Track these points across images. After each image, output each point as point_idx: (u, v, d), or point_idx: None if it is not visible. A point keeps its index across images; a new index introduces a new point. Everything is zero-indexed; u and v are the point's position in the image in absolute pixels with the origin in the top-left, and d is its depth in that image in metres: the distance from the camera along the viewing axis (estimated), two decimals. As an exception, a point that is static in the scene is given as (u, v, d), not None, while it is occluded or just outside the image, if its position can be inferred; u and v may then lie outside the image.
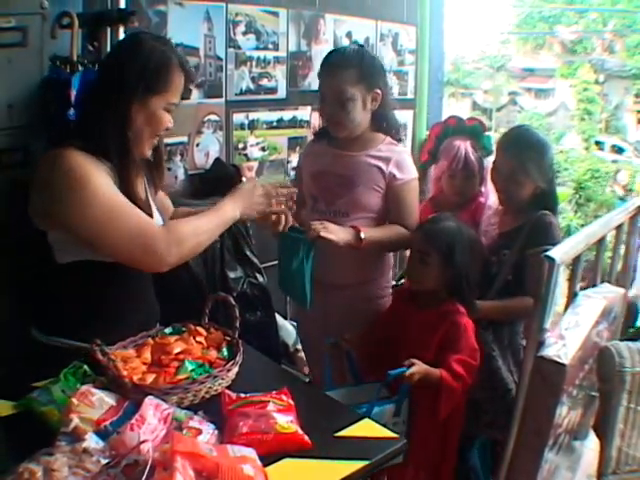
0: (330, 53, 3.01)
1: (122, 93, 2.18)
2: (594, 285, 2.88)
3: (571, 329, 2.36)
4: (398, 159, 2.99)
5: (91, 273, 2.21)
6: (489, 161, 3.32)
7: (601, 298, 2.64)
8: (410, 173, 3.02)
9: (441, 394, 2.58)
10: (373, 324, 3.01)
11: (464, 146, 3.31)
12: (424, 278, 2.81)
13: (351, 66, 2.86)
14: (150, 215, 2.26)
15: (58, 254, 2.19)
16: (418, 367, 2.54)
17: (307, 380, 3.31)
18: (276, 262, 3.06)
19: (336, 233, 2.76)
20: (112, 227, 2.07)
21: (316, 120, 4.48)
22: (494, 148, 3.25)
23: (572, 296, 2.63)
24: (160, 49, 2.25)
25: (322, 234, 2.70)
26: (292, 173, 4.42)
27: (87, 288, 2.22)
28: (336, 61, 2.90)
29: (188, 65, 2.37)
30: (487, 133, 3.48)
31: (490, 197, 3.31)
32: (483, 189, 3.38)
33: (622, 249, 3.19)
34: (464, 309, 2.76)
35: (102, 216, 2.06)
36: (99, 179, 2.09)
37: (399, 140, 3.12)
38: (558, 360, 2.18)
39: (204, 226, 2.25)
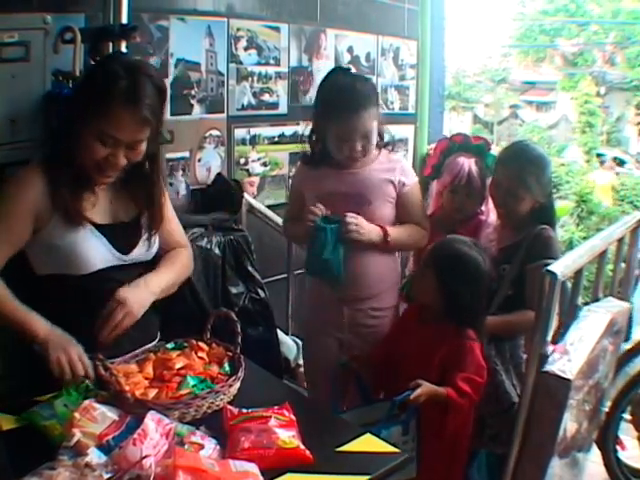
0: (342, 93, 2.95)
1: (66, 115, 2.24)
2: (596, 299, 2.88)
3: (576, 344, 2.36)
4: (402, 166, 3.11)
5: (67, 286, 2.23)
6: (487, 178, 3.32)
7: (605, 312, 2.64)
8: (414, 176, 3.14)
9: (448, 412, 2.59)
10: (381, 340, 3.02)
11: (468, 163, 3.30)
12: (420, 290, 2.84)
13: (371, 103, 2.93)
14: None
15: (36, 265, 2.23)
16: (424, 388, 2.54)
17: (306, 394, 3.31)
18: (277, 278, 3.07)
19: (367, 234, 2.91)
20: None
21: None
22: None
23: (574, 309, 2.63)
24: (108, 72, 2.15)
25: (355, 236, 2.86)
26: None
27: (64, 301, 2.23)
28: (356, 102, 2.90)
29: (141, 101, 2.14)
30: (492, 152, 3.46)
31: (490, 215, 3.30)
32: (484, 207, 3.36)
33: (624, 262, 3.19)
34: (469, 330, 2.73)
35: None
36: (10, 206, 2.18)
37: (392, 150, 3.23)
38: (563, 375, 2.19)
39: None
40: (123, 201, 2.38)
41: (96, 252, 2.26)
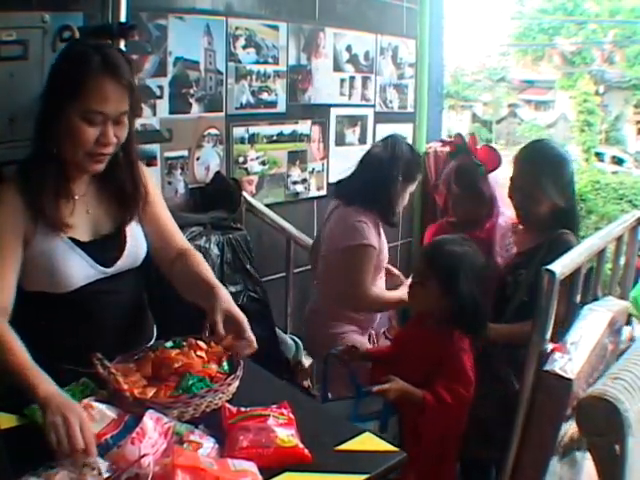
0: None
1: (42, 105, 2.13)
2: (595, 298, 2.88)
3: (577, 343, 2.36)
4: None
5: (52, 303, 2.20)
6: (493, 178, 3.27)
7: (606, 311, 2.64)
8: None
9: (423, 416, 2.58)
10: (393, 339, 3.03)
11: (449, 169, 3.29)
12: (422, 301, 2.78)
13: None
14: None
15: (22, 281, 2.16)
16: (395, 384, 2.54)
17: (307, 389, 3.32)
18: (276, 277, 3.06)
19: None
20: None
21: (316, 134, 4.50)
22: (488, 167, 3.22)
23: (572, 308, 2.63)
24: (78, 51, 2.14)
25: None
26: (292, 187, 4.43)
27: (51, 317, 2.21)
28: None
29: (120, 69, 2.11)
30: (482, 149, 3.39)
31: (501, 216, 3.25)
32: (495, 209, 3.30)
33: (622, 261, 3.18)
34: (465, 337, 2.72)
35: None
36: None
37: None
38: (564, 375, 2.19)
39: None
40: (102, 212, 2.32)
41: (76, 270, 2.21)
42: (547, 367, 2.24)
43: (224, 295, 2.17)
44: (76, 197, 2.25)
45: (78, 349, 2.06)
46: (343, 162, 4.63)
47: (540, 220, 2.98)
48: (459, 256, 2.70)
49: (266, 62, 4.15)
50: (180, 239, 2.50)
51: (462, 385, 2.61)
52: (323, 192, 4.69)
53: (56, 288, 2.19)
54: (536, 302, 2.35)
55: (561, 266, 2.29)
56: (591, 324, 2.52)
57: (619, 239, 3.00)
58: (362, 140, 4.92)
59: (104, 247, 2.29)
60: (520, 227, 3.16)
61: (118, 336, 2.30)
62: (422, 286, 2.75)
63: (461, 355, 2.66)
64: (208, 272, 2.33)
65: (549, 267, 2.24)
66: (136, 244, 2.37)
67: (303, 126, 4.46)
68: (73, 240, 2.21)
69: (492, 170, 3.23)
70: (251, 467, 1.67)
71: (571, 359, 2.25)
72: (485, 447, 2.91)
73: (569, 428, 2.38)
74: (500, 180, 3.26)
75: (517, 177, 3.00)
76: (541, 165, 2.94)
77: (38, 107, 2.14)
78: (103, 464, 1.63)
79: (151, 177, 2.49)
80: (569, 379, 2.17)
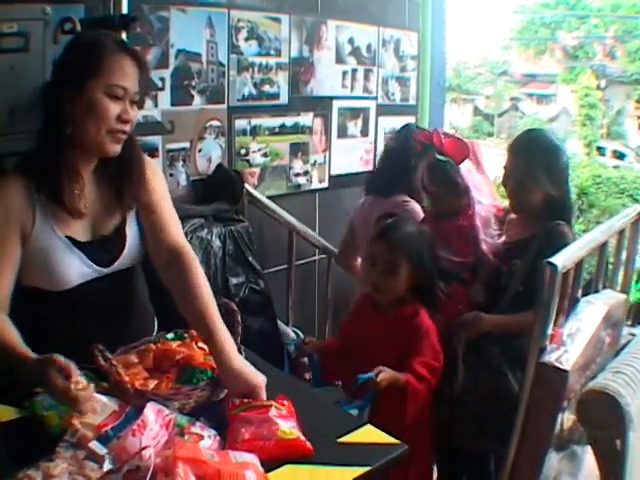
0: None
1: (54, 92, 2.12)
2: (596, 291, 2.88)
3: (573, 335, 2.36)
4: None
5: (47, 299, 2.20)
6: (465, 169, 3.23)
7: (603, 304, 2.64)
8: None
9: (408, 398, 2.59)
10: (338, 331, 3.03)
11: (421, 169, 3.27)
12: (392, 288, 2.78)
13: None
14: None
15: (23, 276, 2.15)
16: (386, 374, 2.55)
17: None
18: (278, 269, 3.06)
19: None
20: None
21: (318, 126, 4.50)
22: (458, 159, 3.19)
23: (573, 302, 2.63)
24: (90, 36, 2.21)
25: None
26: (294, 179, 4.43)
27: (47, 313, 2.20)
28: None
29: (133, 48, 2.22)
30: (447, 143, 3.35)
31: (477, 205, 3.16)
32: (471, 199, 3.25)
33: (624, 255, 3.18)
34: (427, 310, 2.77)
35: None
36: None
37: None
38: (560, 366, 2.18)
39: None
40: (102, 207, 2.30)
41: (73, 270, 2.20)
42: (543, 359, 2.24)
43: (229, 350, 2.05)
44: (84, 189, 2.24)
45: (75, 345, 1.99)
46: (345, 154, 4.64)
47: (533, 210, 2.96)
48: (419, 234, 2.80)
49: (268, 54, 4.14)
50: (176, 234, 2.42)
51: (434, 358, 2.67)
52: (325, 184, 4.69)
53: (53, 286, 2.19)
54: (537, 295, 2.35)
55: (563, 259, 2.29)
56: (587, 317, 2.52)
57: (621, 233, 3.00)
58: (364, 132, 4.92)
59: (103, 247, 2.28)
60: (513, 216, 3.14)
61: (115, 333, 2.25)
62: (393, 275, 2.75)
63: (430, 330, 2.72)
64: (206, 297, 2.22)
65: (551, 260, 2.24)
66: (135, 243, 2.36)
67: (305, 118, 4.45)
68: (70, 239, 2.20)
69: (461, 162, 3.20)
70: (252, 459, 1.67)
71: (567, 351, 2.25)
72: (481, 438, 2.91)
73: (566, 420, 2.39)
74: (471, 169, 3.22)
75: (510, 166, 2.99)
76: (534, 154, 2.92)
77: (48, 94, 2.14)
78: (108, 456, 1.63)
79: (156, 168, 2.49)
80: (565, 370, 2.16)
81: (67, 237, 2.19)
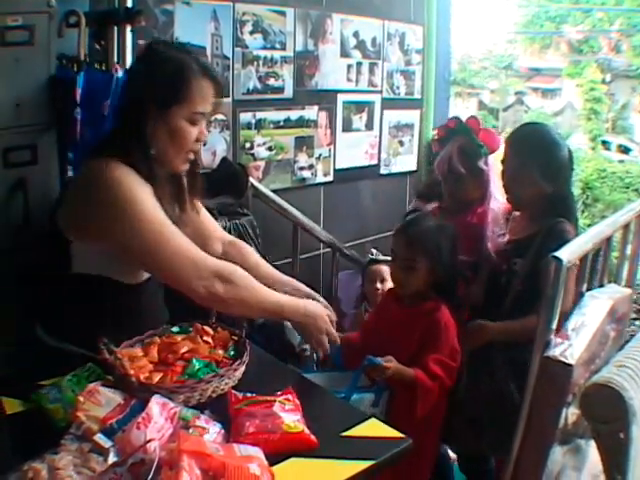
0: None
1: (138, 108, 2.16)
2: (601, 285, 2.87)
3: (577, 329, 2.36)
4: None
5: (104, 288, 2.21)
6: (490, 162, 3.23)
7: (607, 298, 2.63)
8: None
9: (417, 393, 2.58)
10: (362, 324, 3.03)
11: (451, 149, 3.22)
12: (412, 283, 2.77)
13: None
14: None
15: (76, 264, 2.18)
16: (394, 363, 2.55)
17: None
18: (282, 262, 3.05)
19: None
20: (159, 248, 2.08)
21: (323, 119, 4.49)
22: (489, 149, 3.18)
23: (578, 296, 2.62)
24: (175, 57, 2.21)
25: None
26: (298, 173, 4.43)
27: (96, 301, 2.21)
28: None
29: (214, 72, 2.30)
30: (483, 131, 3.33)
31: (492, 201, 3.18)
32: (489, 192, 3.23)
33: (629, 249, 3.17)
34: (448, 307, 2.75)
35: (149, 236, 2.07)
36: (144, 196, 2.09)
37: None
38: (564, 360, 2.18)
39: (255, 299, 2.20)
40: None
41: None
42: (548, 353, 2.23)
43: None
44: None
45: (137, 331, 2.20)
46: (350, 148, 4.64)
47: (533, 206, 2.94)
48: (439, 230, 2.77)
49: (273, 48, 4.14)
50: (220, 230, 2.70)
51: (450, 356, 2.65)
52: (330, 178, 4.69)
53: (126, 278, 2.24)
54: (542, 291, 2.34)
55: (568, 253, 2.28)
56: (592, 311, 2.51)
57: (626, 227, 2.99)
58: (369, 126, 4.92)
59: None
60: (516, 214, 3.13)
61: (142, 327, 2.31)
62: (412, 270, 2.74)
63: (449, 327, 2.70)
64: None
65: (556, 254, 2.23)
66: None
67: (310, 112, 4.45)
68: None
69: (493, 152, 3.19)
70: (257, 452, 1.67)
71: (571, 345, 2.24)
72: (478, 443, 2.93)
73: (570, 414, 2.38)
74: (495, 164, 3.22)
75: (506, 160, 2.97)
76: (528, 149, 2.89)
77: (132, 112, 2.18)
78: (113, 448, 1.64)
79: None
80: (570, 365, 2.16)
81: None
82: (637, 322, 6.05)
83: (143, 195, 2.09)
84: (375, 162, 5.00)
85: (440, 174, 3.27)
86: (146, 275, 2.29)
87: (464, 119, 3.27)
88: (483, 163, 3.16)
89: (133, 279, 2.26)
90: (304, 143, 4.45)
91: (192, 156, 2.31)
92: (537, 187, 2.88)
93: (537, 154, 2.88)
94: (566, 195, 2.97)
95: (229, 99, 3.96)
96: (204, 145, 2.46)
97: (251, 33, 3.98)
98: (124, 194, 2.05)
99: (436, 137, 3.61)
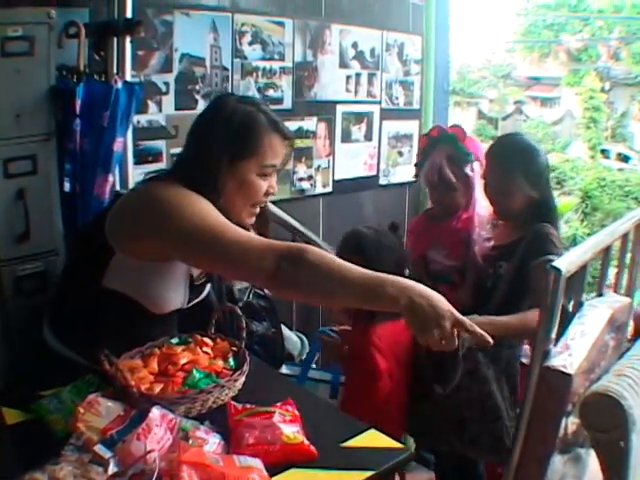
0: None
1: (208, 162, 2.16)
2: (600, 294, 2.88)
3: (577, 339, 2.36)
4: None
5: (128, 310, 2.19)
6: (475, 168, 3.24)
7: (607, 307, 2.64)
8: None
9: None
10: None
11: (439, 158, 3.23)
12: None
13: None
14: None
15: (108, 277, 2.15)
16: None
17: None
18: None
19: None
20: (216, 239, 1.98)
21: (321, 130, 4.50)
22: (474, 156, 3.20)
23: (577, 306, 2.63)
24: (244, 110, 2.22)
25: None
26: (297, 184, 4.43)
27: (116, 320, 2.18)
28: None
29: (281, 124, 2.30)
30: (468, 138, 3.34)
31: (477, 207, 3.21)
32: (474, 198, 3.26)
33: (628, 258, 3.17)
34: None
35: (206, 228, 1.99)
36: (202, 200, 2.07)
37: None
38: (564, 370, 2.18)
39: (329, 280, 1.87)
40: None
41: (175, 303, 2.29)
42: (547, 362, 2.24)
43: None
44: None
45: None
46: (349, 159, 4.64)
47: (516, 214, 2.99)
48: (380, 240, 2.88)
49: (272, 58, 4.15)
50: None
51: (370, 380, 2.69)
52: (329, 189, 4.68)
53: (151, 306, 2.23)
54: (531, 291, 2.36)
55: (567, 263, 2.29)
56: (592, 320, 2.52)
57: (625, 236, 3.00)
58: (368, 137, 4.92)
59: (197, 290, 2.41)
60: (500, 222, 3.17)
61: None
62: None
63: (372, 351, 2.73)
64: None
65: (555, 264, 2.24)
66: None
67: (309, 123, 4.45)
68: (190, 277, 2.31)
69: (478, 159, 3.21)
70: (257, 463, 1.68)
71: (571, 354, 2.25)
72: (455, 441, 2.93)
73: (570, 424, 2.39)
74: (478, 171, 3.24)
75: (489, 174, 3.01)
76: (511, 158, 2.93)
77: (208, 163, 2.17)
78: (113, 459, 1.64)
79: None
80: (569, 374, 2.16)
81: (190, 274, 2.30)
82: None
83: (200, 199, 2.07)
84: (374, 173, 5.00)
85: (428, 183, 3.30)
86: (172, 307, 2.28)
87: (447, 129, 3.31)
88: (469, 170, 3.19)
89: (159, 309, 2.24)
90: (303, 154, 4.45)
91: (258, 210, 2.32)
92: (524, 195, 2.93)
93: (520, 162, 2.93)
94: (548, 199, 3.03)
95: (228, 110, 3.95)
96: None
97: (250, 44, 3.99)
98: (181, 195, 2.06)
99: (420, 146, 3.63)
